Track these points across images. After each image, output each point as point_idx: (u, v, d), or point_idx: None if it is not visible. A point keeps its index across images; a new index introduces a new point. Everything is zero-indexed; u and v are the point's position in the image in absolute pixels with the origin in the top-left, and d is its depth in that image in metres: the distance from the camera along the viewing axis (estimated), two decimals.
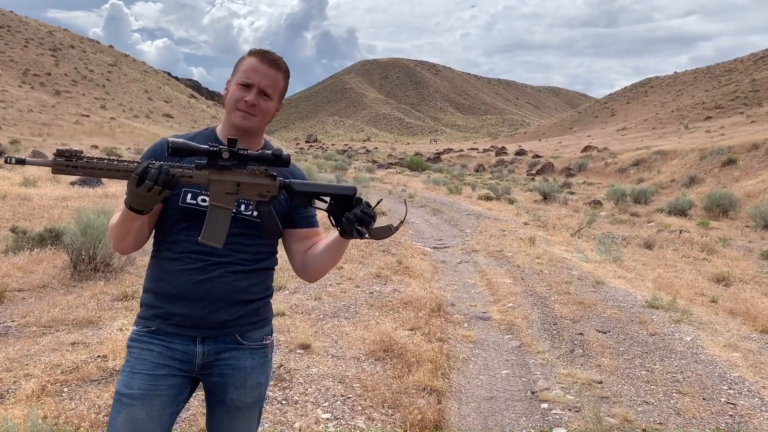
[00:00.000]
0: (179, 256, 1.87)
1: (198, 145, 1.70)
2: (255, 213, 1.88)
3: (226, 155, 1.69)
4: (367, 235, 1.83)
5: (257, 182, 1.76)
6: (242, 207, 1.89)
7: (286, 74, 1.97)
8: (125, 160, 1.67)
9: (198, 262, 1.86)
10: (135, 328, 1.94)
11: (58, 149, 1.62)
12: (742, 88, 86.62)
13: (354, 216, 1.80)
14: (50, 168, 1.62)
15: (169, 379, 1.87)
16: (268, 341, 2.02)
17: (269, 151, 1.75)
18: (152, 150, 1.95)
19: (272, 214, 1.82)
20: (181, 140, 1.68)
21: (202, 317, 1.87)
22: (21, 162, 1.58)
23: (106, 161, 1.65)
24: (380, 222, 1.88)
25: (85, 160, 1.62)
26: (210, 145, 1.69)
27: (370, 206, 1.83)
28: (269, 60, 1.91)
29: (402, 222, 1.97)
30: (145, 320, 1.91)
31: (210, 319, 1.88)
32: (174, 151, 1.66)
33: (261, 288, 1.99)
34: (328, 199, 1.85)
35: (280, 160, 1.75)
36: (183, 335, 1.88)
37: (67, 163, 1.60)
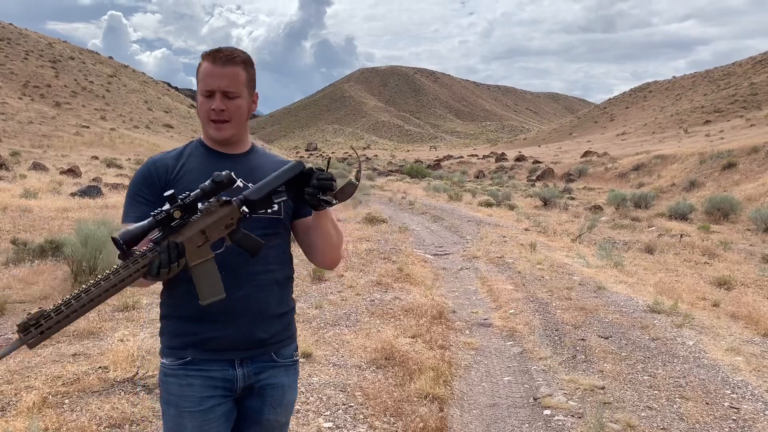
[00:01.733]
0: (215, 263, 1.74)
1: (142, 224, 1.56)
2: (272, 209, 1.83)
3: (177, 215, 1.58)
4: (334, 201, 1.75)
5: (217, 217, 1.66)
6: None
7: (246, 63, 1.84)
8: (117, 270, 1.53)
9: (228, 277, 1.74)
10: (165, 360, 1.84)
11: (19, 324, 1.40)
12: (741, 92, 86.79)
13: (313, 188, 1.71)
14: (28, 347, 1.43)
15: (217, 409, 1.82)
16: (297, 357, 1.98)
17: (207, 182, 1.63)
18: (143, 178, 1.86)
19: (247, 235, 1.72)
20: (125, 231, 1.55)
21: (240, 338, 1.80)
22: None
23: (92, 291, 1.48)
24: (340, 184, 1.82)
25: (60, 312, 1.44)
26: (154, 214, 1.56)
27: (323, 170, 1.74)
28: (222, 58, 1.80)
29: (359, 171, 1.90)
30: (176, 350, 1.82)
31: (248, 339, 1.81)
32: (126, 244, 1.54)
33: (289, 299, 1.95)
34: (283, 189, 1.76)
35: (222, 185, 1.64)
36: (220, 360, 1.80)
37: (39, 330, 1.41)
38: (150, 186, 1.83)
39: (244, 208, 1.70)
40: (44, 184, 18.54)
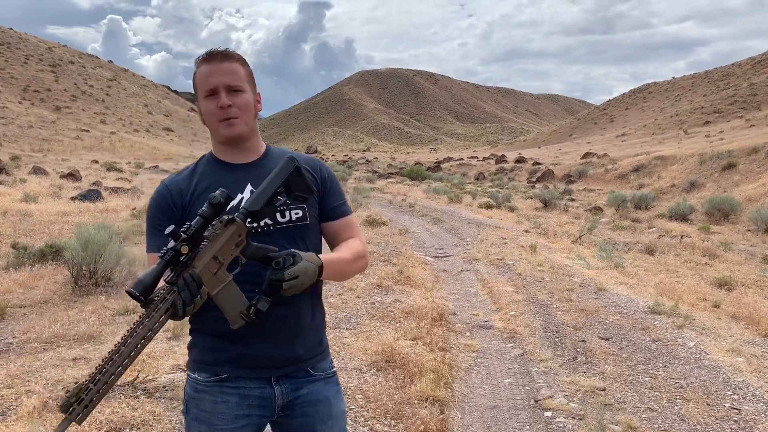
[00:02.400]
0: (243, 289, 1.66)
1: (153, 269, 1.52)
2: (295, 216, 1.78)
3: (185, 250, 1.53)
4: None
5: (226, 238, 1.60)
6: (277, 216, 1.77)
7: (242, 61, 1.80)
8: (141, 322, 1.50)
9: (258, 295, 1.68)
10: (197, 375, 1.79)
11: (60, 404, 1.40)
12: (740, 93, 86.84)
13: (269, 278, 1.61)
14: (77, 423, 1.41)
15: (250, 429, 1.78)
16: (334, 368, 1.94)
17: (204, 207, 1.58)
18: (158, 206, 1.82)
19: (258, 248, 1.66)
20: (137, 281, 1.50)
21: (277, 354, 1.76)
22: None
23: (123, 351, 1.46)
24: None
25: (98, 381, 1.42)
26: (161, 255, 1.52)
27: (281, 265, 1.60)
28: (218, 56, 1.76)
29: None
30: (211, 366, 1.77)
31: (285, 356, 1.77)
32: (144, 295, 1.49)
33: (321, 313, 1.92)
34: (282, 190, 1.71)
35: (220, 205, 1.59)
36: (257, 378, 1.76)
37: (83, 405, 1.40)
38: (165, 213, 1.79)
39: (249, 220, 1.65)
40: (44, 188, 18.56)
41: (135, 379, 4.17)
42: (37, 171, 26.80)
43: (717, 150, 28.47)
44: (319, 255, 1.72)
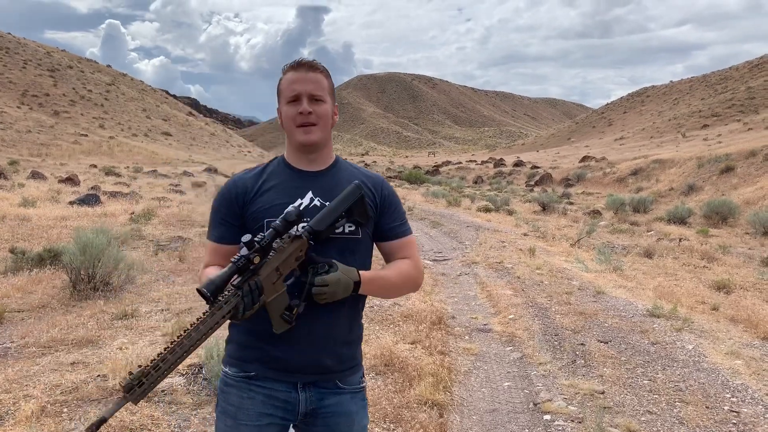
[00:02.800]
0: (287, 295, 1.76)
1: (224, 272, 1.62)
2: (348, 229, 1.86)
3: (257, 260, 1.66)
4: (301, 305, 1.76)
5: (288, 253, 1.72)
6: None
7: (326, 73, 1.89)
8: (205, 319, 1.60)
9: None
10: (228, 369, 1.86)
11: (123, 384, 1.51)
12: (738, 96, 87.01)
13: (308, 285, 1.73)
14: (133, 403, 1.53)
15: (272, 428, 1.83)
16: (364, 383, 1.97)
17: (278, 221, 1.70)
18: (223, 199, 1.92)
19: (314, 259, 1.76)
20: (209, 282, 1.61)
21: (306, 362, 1.80)
22: (102, 422, 1.47)
23: (184, 344, 1.56)
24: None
25: (158, 368, 1.53)
26: (234, 260, 1.63)
27: (319, 269, 1.74)
28: (305, 66, 1.86)
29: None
30: (242, 362, 1.84)
31: (314, 365, 1.81)
32: (213, 294, 1.60)
33: (358, 326, 1.95)
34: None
35: (292, 222, 1.70)
36: (284, 381, 1.81)
37: (141, 389, 1.51)
38: (229, 206, 1.89)
39: (311, 239, 1.76)
40: (43, 192, 18.53)
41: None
42: (36, 175, 26.78)
43: (715, 153, 28.51)
44: (361, 272, 1.79)
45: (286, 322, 1.72)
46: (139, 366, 1.53)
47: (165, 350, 1.54)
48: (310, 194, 1.86)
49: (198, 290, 1.61)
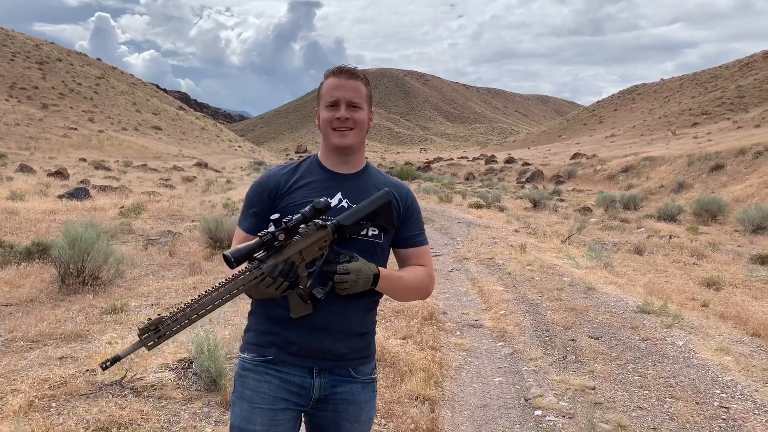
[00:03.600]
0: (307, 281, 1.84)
1: (250, 244, 1.68)
2: (372, 233, 1.92)
3: (282, 237, 1.71)
4: (320, 295, 1.81)
5: (313, 240, 1.78)
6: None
7: (366, 81, 1.98)
8: (234, 278, 1.66)
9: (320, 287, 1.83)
10: (246, 355, 1.92)
11: (141, 327, 1.55)
12: (728, 94, 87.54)
13: (325, 270, 1.81)
14: (146, 349, 1.57)
15: (287, 413, 1.87)
16: (375, 374, 2.03)
17: (307, 208, 1.76)
18: (256, 191, 1.99)
19: (336, 252, 1.82)
20: (236, 249, 1.67)
21: (321, 348, 1.86)
22: (116, 360, 1.52)
23: (204, 296, 1.61)
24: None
25: (176, 320, 1.57)
26: (261, 235, 1.69)
27: (339, 258, 1.81)
28: (346, 73, 1.93)
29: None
30: (259, 347, 1.89)
31: (328, 351, 1.87)
32: (237, 261, 1.66)
33: (372, 320, 2.01)
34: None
35: (320, 211, 1.75)
36: (300, 366, 1.87)
37: (156, 335, 1.55)
38: (260, 199, 1.97)
39: (336, 233, 1.82)
40: (31, 186, 18.39)
41: (123, 378, 4.13)
42: (24, 169, 26.57)
43: (705, 151, 28.69)
44: (380, 268, 1.87)
45: (305, 307, 1.78)
46: (159, 315, 1.55)
47: (185, 305, 1.58)
48: (339, 195, 1.95)
49: (224, 255, 1.66)
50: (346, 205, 1.92)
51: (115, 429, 3.48)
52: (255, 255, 1.71)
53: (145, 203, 15.29)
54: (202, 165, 45.45)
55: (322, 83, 1.98)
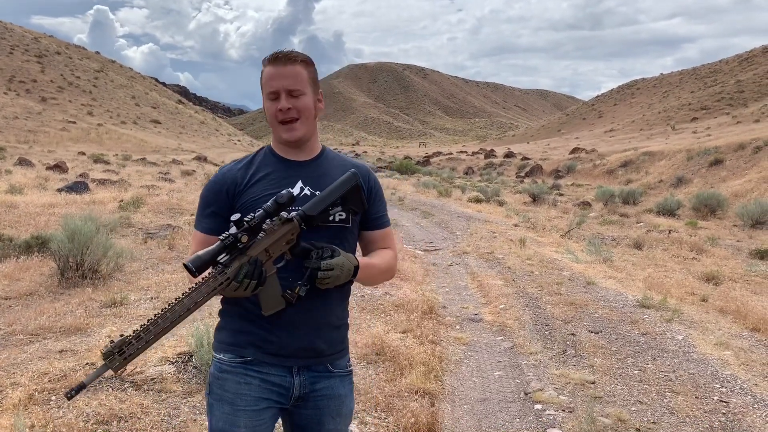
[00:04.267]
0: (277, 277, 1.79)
1: (211, 249, 1.63)
2: (339, 218, 1.86)
3: (245, 239, 1.65)
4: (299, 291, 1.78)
5: (279, 235, 1.72)
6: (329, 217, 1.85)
7: (306, 62, 1.88)
8: (197, 288, 1.61)
9: (295, 287, 1.78)
10: (223, 356, 1.85)
11: (103, 351, 1.52)
12: (727, 89, 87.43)
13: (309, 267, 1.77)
14: (112, 371, 1.53)
15: (269, 412, 1.85)
16: (351, 367, 2.00)
17: (269, 203, 1.69)
18: (211, 191, 1.92)
19: (305, 246, 1.76)
20: (196, 257, 1.62)
21: (300, 345, 1.82)
22: (81, 388, 1.49)
23: (169, 310, 1.57)
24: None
25: (140, 338, 1.53)
26: (222, 238, 1.63)
27: (321, 253, 1.76)
28: (282, 59, 1.84)
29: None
30: (237, 348, 1.83)
31: (308, 348, 1.84)
32: (198, 270, 1.61)
33: (346, 311, 1.98)
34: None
35: (284, 205, 1.70)
36: (279, 365, 1.83)
37: (122, 357, 1.52)
38: (218, 198, 1.89)
39: (304, 223, 1.75)
40: (30, 179, 18.36)
41: (123, 372, 4.12)
42: (23, 162, 26.50)
43: (704, 146, 28.67)
44: (358, 257, 1.86)
45: (277, 303, 1.73)
46: (121, 335, 1.51)
47: (149, 321, 1.54)
48: (300, 183, 1.88)
49: (184, 264, 1.61)
50: (308, 192, 1.86)
51: (115, 422, 3.48)
52: (218, 259, 1.65)
53: (145, 197, 15.26)
54: (201, 159, 45.37)
55: (262, 71, 1.88)
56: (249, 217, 1.66)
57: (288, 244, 1.74)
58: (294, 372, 1.84)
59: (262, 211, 1.68)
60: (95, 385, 3.96)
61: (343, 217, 1.87)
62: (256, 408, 1.80)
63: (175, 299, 1.59)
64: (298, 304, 1.77)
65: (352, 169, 1.86)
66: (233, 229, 1.65)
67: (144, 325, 1.54)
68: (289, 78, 1.83)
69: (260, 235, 1.69)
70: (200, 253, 1.63)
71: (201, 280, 1.62)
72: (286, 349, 1.81)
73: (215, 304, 1.93)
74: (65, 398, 1.51)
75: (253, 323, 1.81)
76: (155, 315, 1.55)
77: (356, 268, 1.79)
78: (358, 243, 2.02)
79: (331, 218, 1.84)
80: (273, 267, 1.73)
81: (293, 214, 1.74)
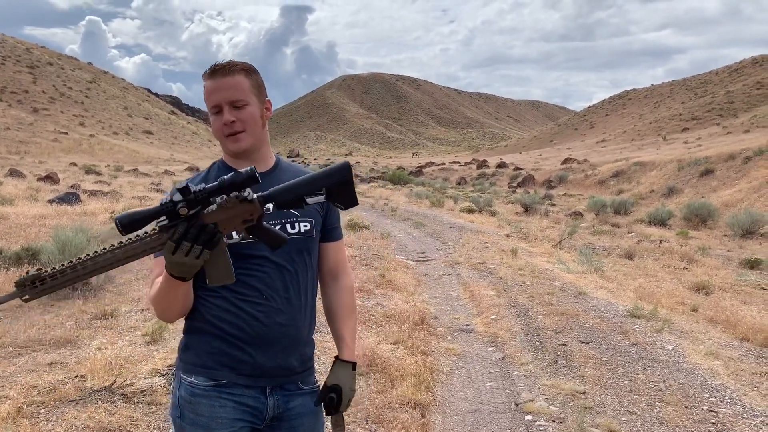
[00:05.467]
0: (248, 294, 1.72)
1: (147, 209, 1.49)
2: (304, 228, 1.82)
3: (184, 211, 1.48)
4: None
5: (234, 213, 1.54)
6: (287, 227, 1.79)
7: (246, 71, 1.79)
8: (132, 241, 1.49)
9: (271, 300, 1.74)
10: (194, 379, 1.75)
11: (17, 281, 1.43)
12: (717, 100, 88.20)
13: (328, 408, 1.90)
14: (21, 300, 1.45)
15: (244, 431, 1.79)
16: (318, 382, 1.97)
17: (227, 177, 1.52)
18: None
19: (267, 229, 1.62)
20: (129, 215, 1.47)
21: (275, 364, 1.78)
22: None
23: (92, 257, 1.46)
24: None
25: (57, 275, 1.44)
26: (162, 204, 1.50)
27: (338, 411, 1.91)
28: (220, 71, 1.76)
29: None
30: (209, 370, 1.75)
31: (282, 367, 1.79)
32: (125, 227, 1.45)
33: (313, 326, 1.93)
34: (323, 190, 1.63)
35: (245, 181, 1.51)
36: (253, 386, 1.77)
37: (33, 290, 1.43)
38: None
39: (268, 205, 1.59)
40: (21, 190, 18.29)
41: (112, 384, 4.11)
42: (14, 173, 26.41)
43: (695, 156, 28.89)
44: (346, 350, 1.95)
45: (226, 276, 1.60)
46: (39, 269, 1.44)
47: (70, 262, 1.45)
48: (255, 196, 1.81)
49: (115, 219, 1.47)
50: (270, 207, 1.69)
51: None
52: (158, 221, 1.50)
53: (136, 208, 15.23)
54: (193, 169, 45.30)
55: (204, 87, 1.80)
56: (198, 187, 1.50)
57: (245, 223, 1.57)
58: (267, 392, 1.79)
59: (216, 182, 1.51)
60: (84, 398, 3.94)
61: (308, 228, 1.82)
62: (231, 429, 1.74)
63: (105, 248, 1.47)
64: (271, 321, 1.73)
65: (346, 160, 1.71)
66: (177, 196, 1.49)
67: (63, 265, 1.44)
68: (230, 89, 1.75)
69: (211, 208, 1.52)
70: (134, 211, 1.49)
71: (135, 237, 1.49)
72: (261, 369, 1.76)
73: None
74: None
75: (225, 343, 1.74)
76: (78, 258, 1.46)
77: (354, 364, 1.93)
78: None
79: (296, 230, 1.79)
80: (223, 243, 1.58)
81: (256, 195, 1.56)
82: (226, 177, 1.52)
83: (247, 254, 1.73)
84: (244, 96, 1.77)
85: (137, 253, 1.50)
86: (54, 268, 1.45)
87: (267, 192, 1.60)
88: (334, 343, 1.98)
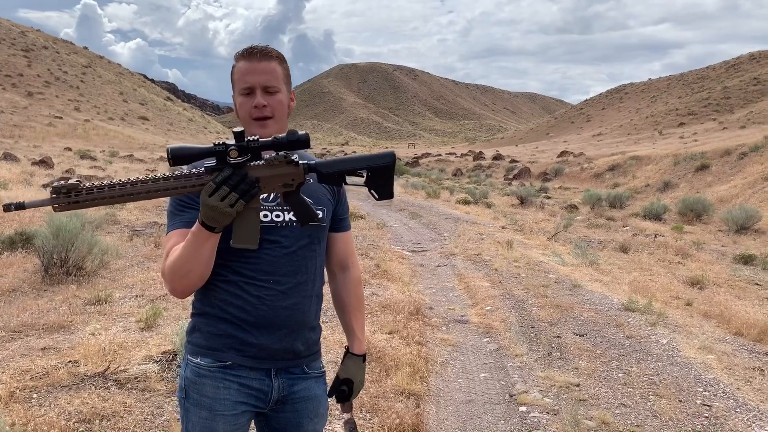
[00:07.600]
0: (256, 278, 1.73)
1: (200, 147, 1.49)
2: (286, 207, 1.76)
3: (234, 154, 1.48)
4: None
5: (278, 173, 1.54)
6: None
7: (281, 59, 1.82)
8: (162, 176, 1.47)
9: (279, 285, 1.74)
10: (200, 360, 1.77)
11: (54, 186, 1.40)
12: (714, 95, 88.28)
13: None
14: (51, 207, 1.42)
15: (245, 416, 1.81)
16: (324, 368, 1.98)
17: (283, 134, 1.53)
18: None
19: (303, 200, 1.63)
20: (180, 148, 1.48)
21: (280, 347, 1.78)
22: (20, 207, 1.37)
23: (132, 182, 1.44)
24: None
25: (93, 190, 1.41)
26: (215, 144, 1.48)
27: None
28: (257, 54, 1.77)
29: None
30: (215, 351, 1.76)
31: (287, 350, 1.80)
32: (175, 159, 1.47)
33: (320, 311, 1.95)
34: (364, 173, 1.63)
35: (297, 143, 1.52)
36: (258, 368, 1.78)
37: (67, 199, 1.41)
38: (189, 195, 1.74)
39: (310, 176, 1.61)
40: (15, 175, 18.18)
41: (106, 370, 4.09)
42: (8, 157, 26.26)
43: (691, 151, 28.93)
44: (357, 343, 2.03)
45: (251, 239, 1.58)
46: (78, 180, 1.41)
47: (112, 183, 1.43)
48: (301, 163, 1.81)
49: (167, 149, 1.48)
50: (312, 180, 1.75)
51: (97, 421, 3.45)
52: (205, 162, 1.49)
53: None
54: None
55: (233, 66, 1.80)
56: (254, 137, 1.51)
57: (285, 188, 1.57)
58: (272, 375, 1.81)
59: (271, 138, 1.53)
60: (77, 383, 3.92)
61: (321, 216, 1.82)
62: (234, 412, 1.76)
63: (147, 177, 1.45)
64: (277, 305, 1.74)
65: (392, 150, 1.72)
66: (231, 140, 1.49)
67: (103, 183, 1.42)
68: (265, 74, 1.76)
69: (258, 161, 1.53)
70: (187, 145, 1.49)
71: (179, 173, 1.49)
72: (266, 351, 1.77)
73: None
74: (2, 210, 1.38)
75: (233, 325, 1.75)
76: (122, 180, 1.43)
77: (364, 356, 2.03)
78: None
79: (320, 215, 1.80)
80: (259, 201, 1.58)
81: (304, 161, 1.59)
82: (281, 134, 1.54)
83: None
84: (277, 83, 1.79)
85: (176, 187, 1.49)
86: (93, 183, 1.43)
87: (313, 161, 1.63)
88: (330, 332, 1.98)
